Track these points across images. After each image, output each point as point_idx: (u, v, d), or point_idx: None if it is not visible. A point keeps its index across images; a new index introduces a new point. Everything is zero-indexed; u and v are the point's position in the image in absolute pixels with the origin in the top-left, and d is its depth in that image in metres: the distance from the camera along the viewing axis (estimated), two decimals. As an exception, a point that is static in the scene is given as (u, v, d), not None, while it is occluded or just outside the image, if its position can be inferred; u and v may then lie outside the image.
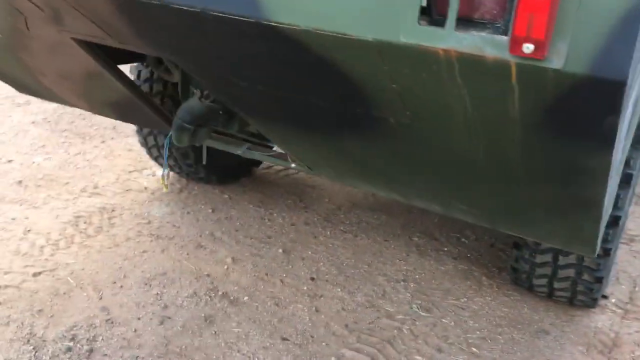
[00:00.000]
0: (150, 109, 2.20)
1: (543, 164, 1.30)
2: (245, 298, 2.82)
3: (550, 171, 1.32)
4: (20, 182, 3.75)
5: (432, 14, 1.04)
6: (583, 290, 2.72)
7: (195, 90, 2.19)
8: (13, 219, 3.31)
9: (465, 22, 1.02)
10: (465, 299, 2.95)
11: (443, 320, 2.79)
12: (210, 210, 3.60)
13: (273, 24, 1.19)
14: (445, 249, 3.37)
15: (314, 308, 2.79)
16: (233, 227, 3.43)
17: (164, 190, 2.39)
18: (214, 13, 1.26)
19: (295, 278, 3.00)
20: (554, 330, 2.79)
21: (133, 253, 3.10)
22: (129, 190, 3.77)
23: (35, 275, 2.86)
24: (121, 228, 3.32)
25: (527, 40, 0.96)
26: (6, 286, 2.76)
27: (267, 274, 3.01)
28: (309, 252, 3.23)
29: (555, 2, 0.94)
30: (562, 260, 2.64)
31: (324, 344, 2.57)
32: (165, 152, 2.24)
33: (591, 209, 1.43)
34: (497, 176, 1.45)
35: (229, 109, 2.12)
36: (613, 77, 0.96)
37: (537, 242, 2.54)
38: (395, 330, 2.69)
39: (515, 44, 0.97)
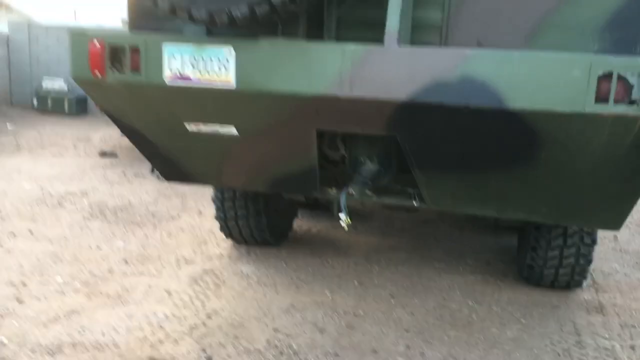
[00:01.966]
0: (318, 177, 3.26)
1: (624, 172, 2.63)
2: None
3: (624, 175, 2.65)
4: (125, 260, 4.46)
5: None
6: (579, 271, 4.11)
7: (363, 158, 3.28)
8: (150, 286, 4.05)
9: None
10: (497, 295, 4.23)
11: (493, 308, 4.04)
12: (283, 264, 4.58)
13: (511, 110, 2.42)
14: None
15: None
16: (304, 271, 4.46)
17: (346, 229, 3.31)
18: (471, 107, 2.46)
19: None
20: (562, 305, 4.14)
21: (259, 295, 4.00)
22: (210, 256, 4.64)
23: (209, 316, 3.65)
24: (231, 282, 4.19)
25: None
26: (181, 332, 3.53)
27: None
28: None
29: None
30: (565, 252, 4.02)
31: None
32: (344, 203, 3.19)
33: (636, 196, 2.79)
34: (588, 185, 2.76)
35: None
36: None
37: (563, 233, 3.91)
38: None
39: None
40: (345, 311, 3.85)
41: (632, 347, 3.60)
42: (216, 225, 4.75)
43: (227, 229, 4.67)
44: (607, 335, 3.73)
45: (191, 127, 3.08)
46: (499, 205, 3.20)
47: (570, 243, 4.00)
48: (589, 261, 4.07)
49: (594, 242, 3.99)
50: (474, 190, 3.08)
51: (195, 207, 6.00)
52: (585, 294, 4.35)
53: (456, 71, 2.47)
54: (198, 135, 3.13)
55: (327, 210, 5.19)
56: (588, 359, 3.43)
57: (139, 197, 6.30)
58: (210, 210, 5.35)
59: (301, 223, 5.52)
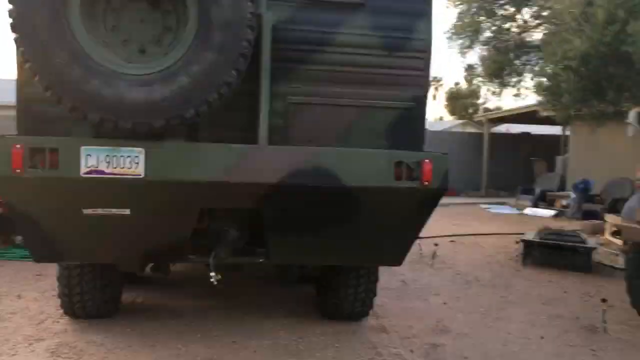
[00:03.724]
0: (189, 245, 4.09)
1: (411, 222, 4.08)
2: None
3: (411, 225, 4.11)
4: None
5: None
6: (368, 303, 5.51)
7: (226, 227, 4.18)
8: (14, 362, 4.25)
9: None
10: (312, 329, 5.40)
11: (313, 339, 5.18)
12: (128, 329, 5.11)
13: (346, 187, 3.66)
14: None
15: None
16: (151, 332, 5.08)
17: (215, 283, 4.10)
18: (320, 186, 3.63)
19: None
20: (358, 330, 5.47)
21: (122, 358, 4.52)
22: (57, 332, 4.94)
23: None
24: (89, 350, 4.61)
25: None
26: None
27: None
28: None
29: None
30: (359, 289, 5.37)
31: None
32: (213, 264, 4.07)
33: (414, 238, 4.26)
34: (389, 233, 4.15)
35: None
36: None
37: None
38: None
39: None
40: (204, 357, 4.60)
41: (412, 351, 5.04)
42: (45, 304, 5.04)
43: (70, 305, 5.02)
44: (393, 346, 5.13)
45: (88, 211, 3.69)
46: (328, 255, 4.41)
47: (362, 282, 5.38)
48: (374, 294, 5.50)
49: (377, 279, 5.43)
50: (313, 245, 4.24)
51: (10, 292, 6.04)
52: (371, 320, 5.76)
53: (310, 162, 3.65)
54: (91, 217, 3.74)
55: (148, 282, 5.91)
56: (387, 362, 4.76)
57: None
58: (31, 292, 5.52)
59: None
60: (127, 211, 3.72)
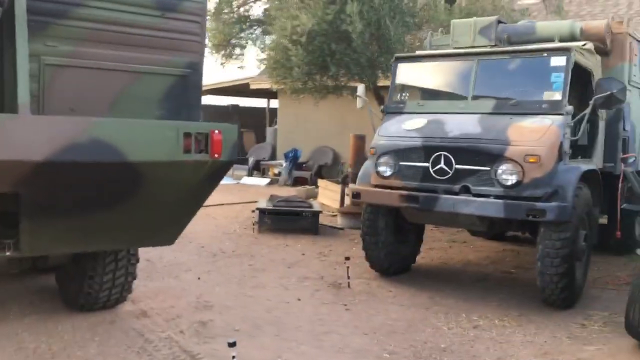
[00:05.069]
0: None
1: (193, 199, 3.80)
2: None
3: (193, 202, 3.83)
4: None
5: None
6: (127, 288, 5.05)
7: None
8: None
9: None
10: (62, 327, 4.75)
11: (65, 337, 4.56)
12: None
13: (129, 162, 3.20)
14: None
15: None
16: None
17: None
18: (101, 162, 3.11)
19: None
20: (118, 319, 5.00)
21: None
22: None
23: None
24: None
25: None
26: None
27: None
28: None
29: None
30: (117, 274, 4.87)
31: None
32: None
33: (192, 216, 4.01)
34: (168, 211, 3.81)
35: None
36: None
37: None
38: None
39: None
40: None
41: (182, 332, 4.80)
42: None
43: None
44: (161, 329, 4.82)
45: None
46: (94, 240, 3.86)
47: (121, 265, 4.89)
48: (134, 277, 5.06)
49: (137, 260, 5.01)
50: (78, 230, 3.66)
51: None
52: (127, 306, 5.30)
53: (87, 135, 3.12)
54: None
55: None
56: (160, 348, 4.44)
57: None
58: None
59: None
60: None
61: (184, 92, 3.88)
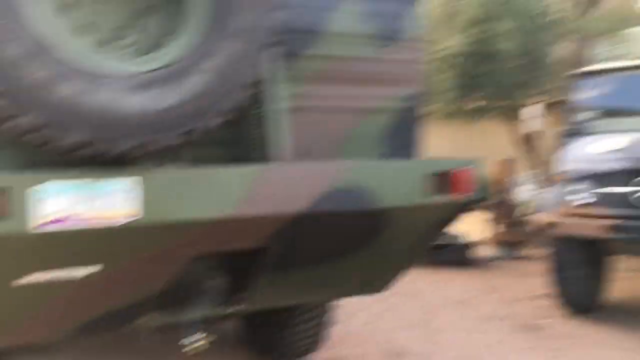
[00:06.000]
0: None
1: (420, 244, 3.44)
2: None
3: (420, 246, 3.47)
4: None
5: None
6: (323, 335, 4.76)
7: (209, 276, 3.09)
8: None
9: None
10: None
11: None
12: None
13: (379, 208, 2.92)
14: None
15: None
16: None
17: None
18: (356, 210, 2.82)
19: None
20: None
21: None
22: None
23: None
24: None
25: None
26: None
27: None
28: None
29: None
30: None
31: None
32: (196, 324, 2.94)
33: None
34: (395, 257, 3.48)
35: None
36: None
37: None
38: None
39: None
40: None
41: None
42: None
43: None
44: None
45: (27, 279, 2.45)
46: (317, 291, 3.59)
47: (316, 314, 4.59)
48: (330, 325, 4.76)
49: (333, 307, 4.70)
50: (308, 282, 3.40)
51: None
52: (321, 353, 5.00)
53: (344, 181, 2.84)
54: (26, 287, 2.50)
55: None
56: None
57: None
58: None
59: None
60: (81, 272, 2.54)
61: (406, 126, 3.57)
